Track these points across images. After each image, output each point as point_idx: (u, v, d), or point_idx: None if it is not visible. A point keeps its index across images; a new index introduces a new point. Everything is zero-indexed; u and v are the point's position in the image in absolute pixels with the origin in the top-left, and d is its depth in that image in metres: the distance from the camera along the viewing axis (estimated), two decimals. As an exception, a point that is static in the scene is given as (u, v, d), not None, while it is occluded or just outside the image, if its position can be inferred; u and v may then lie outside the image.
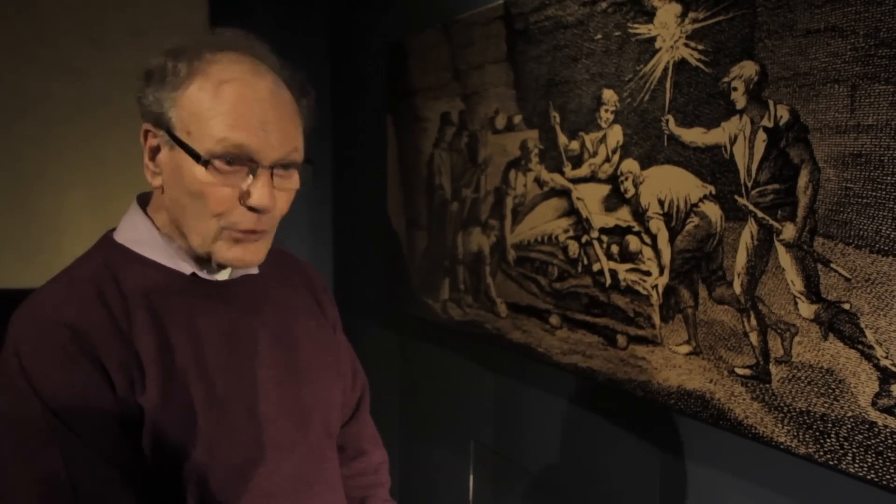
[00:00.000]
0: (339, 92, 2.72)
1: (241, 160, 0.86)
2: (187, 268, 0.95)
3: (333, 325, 1.18)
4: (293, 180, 0.92)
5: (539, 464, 1.72)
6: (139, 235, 0.94)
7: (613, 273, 1.42)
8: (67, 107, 2.44)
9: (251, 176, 0.87)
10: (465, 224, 1.91)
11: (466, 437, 2.01)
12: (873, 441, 0.98)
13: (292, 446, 0.98)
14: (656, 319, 1.33)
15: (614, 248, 1.41)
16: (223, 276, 0.99)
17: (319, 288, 1.19)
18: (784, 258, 1.08)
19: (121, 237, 0.95)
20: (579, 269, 1.51)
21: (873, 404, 0.98)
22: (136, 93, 0.91)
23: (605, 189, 1.43)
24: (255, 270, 1.03)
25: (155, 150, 0.91)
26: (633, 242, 1.37)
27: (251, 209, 0.88)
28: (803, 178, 1.05)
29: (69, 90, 2.43)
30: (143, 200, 0.99)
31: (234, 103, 0.85)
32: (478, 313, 1.87)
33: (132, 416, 0.85)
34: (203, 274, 0.96)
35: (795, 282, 1.07)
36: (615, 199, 1.40)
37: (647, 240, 1.33)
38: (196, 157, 0.85)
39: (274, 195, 0.88)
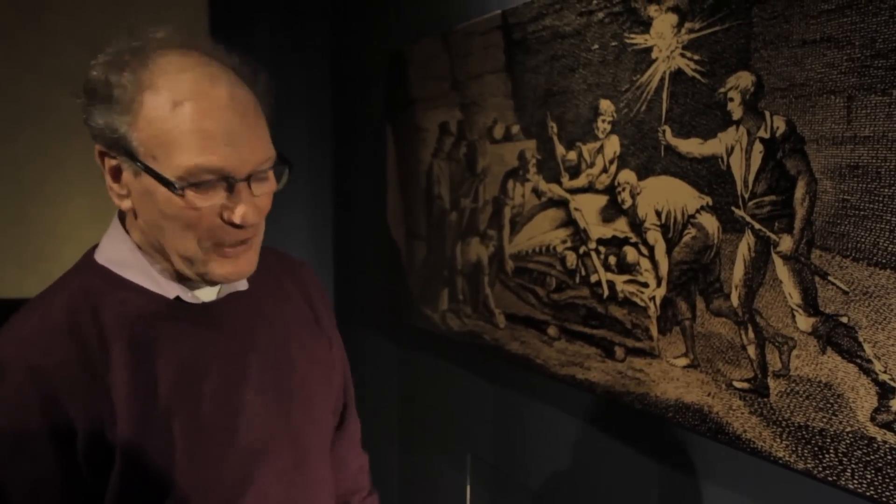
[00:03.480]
0: (339, 101, 2.72)
1: (215, 181, 0.82)
2: (171, 291, 0.90)
3: (329, 333, 1.12)
4: (270, 182, 0.88)
5: (536, 476, 1.71)
6: (121, 256, 0.89)
7: (611, 284, 1.41)
8: (69, 116, 2.42)
9: (227, 192, 0.83)
10: (463, 234, 1.90)
11: (464, 449, 2.00)
12: (872, 457, 0.97)
13: (283, 472, 0.95)
14: (654, 331, 1.31)
15: (612, 260, 1.40)
16: (210, 296, 0.94)
17: (314, 291, 1.13)
18: (781, 270, 1.07)
19: (102, 257, 0.91)
20: (577, 280, 1.50)
21: (872, 419, 0.96)
22: (79, 111, 0.84)
23: (602, 200, 1.42)
24: (244, 286, 0.97)
25: (117, 171, 0.85)
26: (631, 254, 1.36)
27: (234, 225, 0.84)
28: (800, 190, 1.04)
29: (70, 100, 2.43)
30: (124, 216, 0.93)
31: (196, 122, 0.79)
32: (476, 324, 1.86)
33: (99, 462, 0.81)
34: (188, 297, 0.91)
35: (793, 294, 1.06)
36: (612, 209, 1.39)
37: (645, 251, 1.32)
38: (170, 186, 0.80)
39: (256, 207, 0.85)
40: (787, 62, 1.05)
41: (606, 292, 1.42)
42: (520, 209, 1.67)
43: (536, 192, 1.61)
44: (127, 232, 0.91)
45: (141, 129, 0.80)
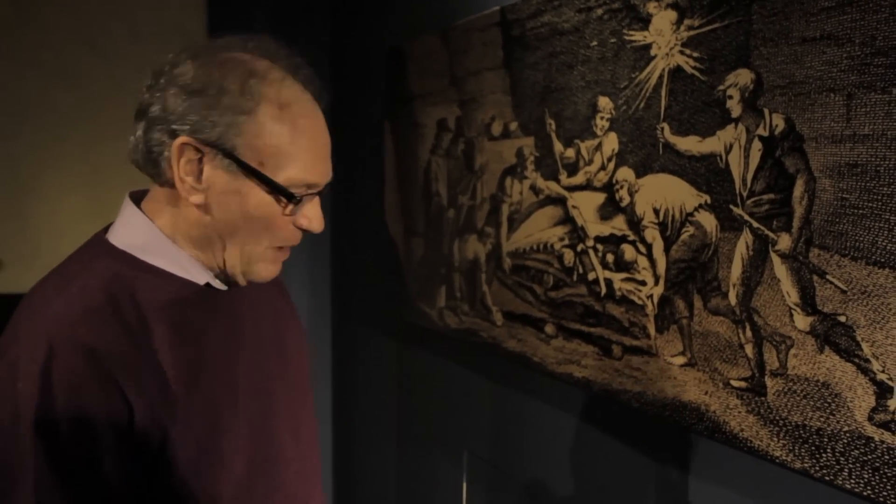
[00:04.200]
0: (338, 97, 2.71)
1: (305, 192, 0.89)
2: (201, 278, 0.91)
3: (299, 324, 1.17)
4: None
5: (533, 474, 1.70)
6: (144, 241, 0.89)
7: (609, 282, 1.40)
8: (67, 112, 2.44)
9: (306, 201, 0.90)
10: (461, 231, 1.90)
11: (460, 446, 1.99)
12: (870, 457, 0.96)
13: (291, 461, 0.97)
14: (651, 330, 1.31)
15: (609, 257, 1.40)
16: (221, 285, 0.95)
17: (283, 287, 1.16)
18: (779, 269, 1.07)
19: (121, 242, 0.89)
20: (574, 277, 1.49)
21: (870, 419, 0.96)
22: (169, 100, 0.84)
23: (600, 197, 1.41)
24: None
25: (196, 167, 0.85)
26: (629, 251, 1.35)
27: (304, 230, 0.91)
28: (799, 188, 1.03)
29: (69, 96, 2.43)
30: (137, 198, 0.93)
31: (309, 141, 0.88)
32: (474, 321, 1.85)
33: (151, 441, 0.81)
34: (217, 284, 0.93)
35: (791, 293, 1.05)
36: (610, 207, 1.39)
37: (643, 249, 1.32)
38: (288, 195, 0.86)
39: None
40: (786, 60, 1.04)
41: (604, 290, 1.42)
42: (518, 206, 1.66)
43: (534, 190, 1.60)
44: (145, 215, 0.90)
45: (255, 135, 0.84)
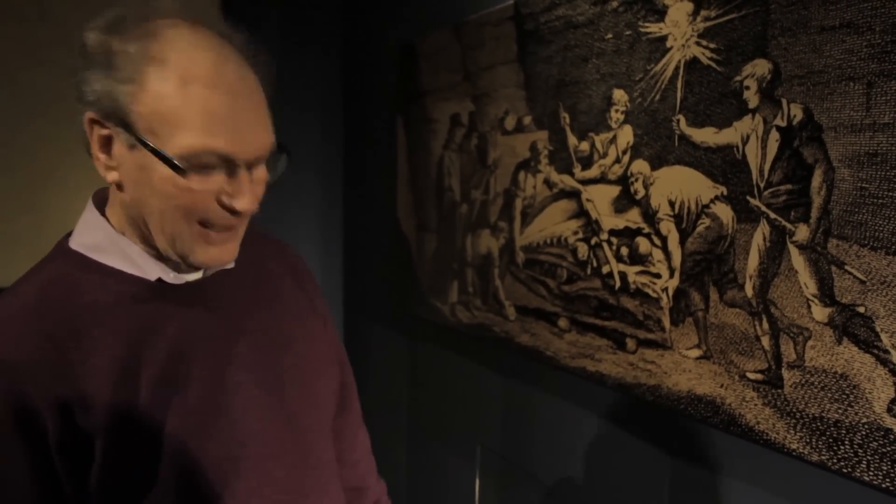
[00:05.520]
0: (350, 92, 2.72)
1: (216, 164, 0.79)
2: (152, 272, 0.86)
3: (323, 315, 1.10)
4: (264, 171, 0.85)
5: (546, 468, 1.70)
6: (95, 239, 0.86)
7: (623, 275, 1.40)
8: (80, 106, 2.45)
9: (228, 175, 0.80)
10: (474, 226, 1.89)
11: (473, 440, 1.99)
12: (889, 449, 0.95)
13: (280, 453, 0.91)
14: (666, 323, 1.30)
15: (624, 251, 1.39)
16: (194, 276, 0.91)
17: (303, 274, 1.10)
18: (797, 260, 1.06)
19: (75, 242, 0.87)
20: (588, 271, 1.49)
21: (889, 411, 0.95)
22: (79, 73, 0.79)
23: (615, 190, 1.41)
24: (230, 265, 0.94)
25: (107, 141, 0.81)
26: (643, 244, 1.34)
27: (232, 211, 0.81)
28: (817, 179, 1.02)
29: (81, 90, 2.43)
30: (100, 199, 0.90)
31: (204, 103, 0.77)
32: (486, 316, 1.85)
33: (76, 455, 0.78)
34: (170, 278, 0.87)
35: (809, 284, 1.05)
36: (625, 200, 1.38)
37: (658, 242, 1.31)
38: (174, 166, 0.77)
39: (254, 195, 0.82)
40: (804, 49, 1.03)
41: (618, 283, 1.41)
42: (531, 201, 1.66)
43: (548, 184, 1.60)
44: (103, 215, 0.87)
45: (144, 103, 0.77)
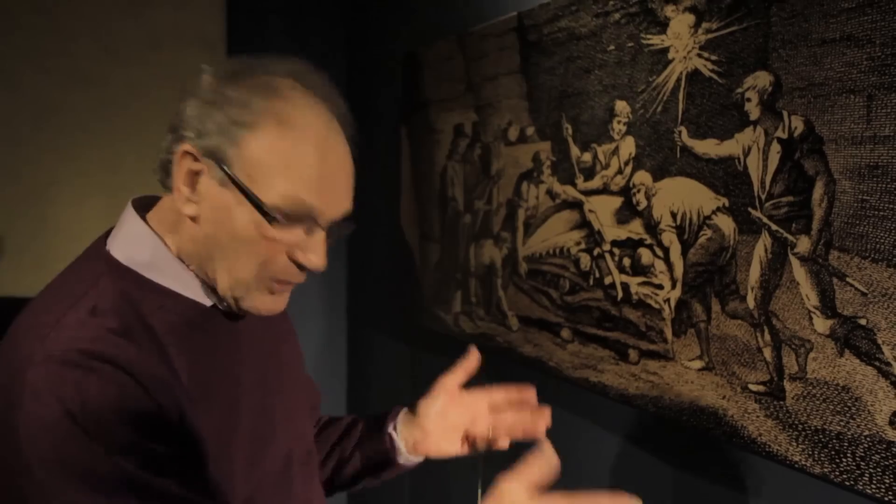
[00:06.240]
0: (354, 102, 2.72)
1: (302, 219, 0.82)
2: (207, 299, 0.87)
3: (291, 326, 1.12)
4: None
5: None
6: (148, 258, 0.85)
7: (625, 286, 1.40)
8: (84, 116, 2.47)
9: (307, 234, 0.83)
10: (477, 236, 1.90)
11: (475, 451, 1.98)
12: (891, 462, 0.95)
13: (293, 478, 0.96)
14: (668, 334, 1.30)
15: (626, 261, 1.39)
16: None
17: None
18: (799, 272, 1.06)
19: (123, 256, 0.85)
20: (591, 282, 1.49)
21: (891, 423, 0.95)
22: (173, 105, 0.83)
23: (617, 201, 1.41)
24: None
25: (193, 177, 0.83)
26: (646, 255, 1.35)
27: (300, 267, 0.84)
28: (818, 191, 1.03)
29: (86, 99, 2.46)
30: (141, 206, 0.89)
31: (316, 162, 0.81)
32: (489, 326, 1.85)
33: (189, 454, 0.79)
34: (223, 305, 0.88)
35: (810, 296, 1.05)
36: (627, 211, 1.38)
37: (660, 253, 1.31)
38: (264, 212, 0.79)
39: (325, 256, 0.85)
40: (805, 61, 1.04)
41: (620, 294, 1.41)
42: (534, 211, 1.66)
43: (551, 194, 1.60)
44: (151, 229, 0.87)
45: (250, 149, 0.80)
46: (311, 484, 1.01)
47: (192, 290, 0.86)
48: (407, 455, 1.14)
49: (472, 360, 1.19)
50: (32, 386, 0.72)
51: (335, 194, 0.84)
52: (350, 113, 0.92)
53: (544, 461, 0.74)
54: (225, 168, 0.80)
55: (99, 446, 0.71)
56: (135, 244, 0.86)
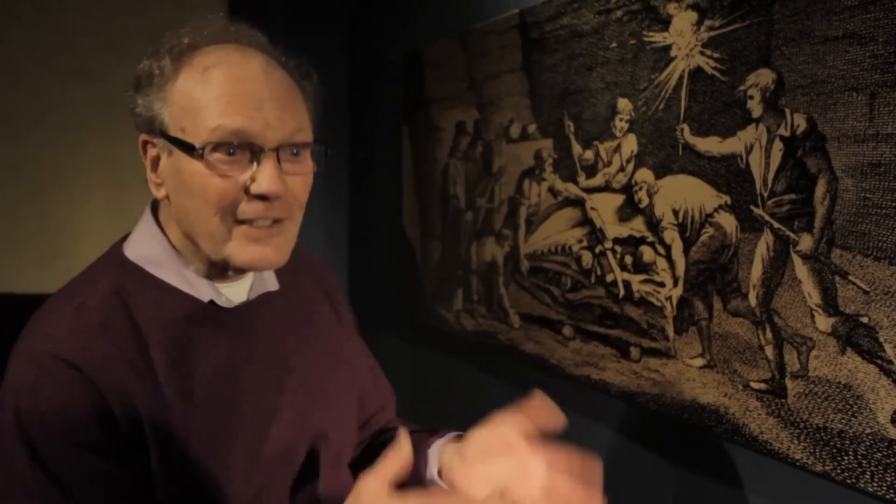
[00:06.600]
0: (356, 101, 2.73)
1: (241, 147, 0.78)
2: (205, 294, 0.86)
3: (349, 330, 1.10)
4: (305, 164, 0.84)
5: (550, 477, 1.70)
6: (153, 253, 0.86)
7: (627, 284, 1.40)
8: (86, 112, 2.47)
9: (255, 163, 0.79)
10: (478, 234, 1.90)
11: None
12: (893, 460, 0.95)
13: (308, 476, 0.94)
14: (670, 331, 1.30)
15: (628, 259, 1.39)
16: (241, 297, 0.91)
17: (332, 288, 1.10)
18: (801, 270, 1.06)
19: (133, 253, 0.87)
20: (593, 279, 1.49)
21: (892, 421, 0.95)
22: (127, 105, 0.85)
23: (619, 199, 1.41)
24: (274, 286, 0.94)
25: (156, 161, 0.84)
26: (647, 253, 1.35)
27: (258, 197, 0.79)
28: (820, 188, 1.03)
29: (87, 95, 2.45)
30: (157, 208, 0.91)
31: (223, 86, 0.79)
32: (491, 324, 1.85)
33: (147, 454, 0.79)
34: (222, 301, 0.87)
35: (812, 294, 1.05)
36: (629, 209, 1.38)
37: (662, 250, 1.31)
38: (190, 149, 0.78)
39: (283, 179, 0.80)
40: (808, 59, 1.03)
41: (622, 292, 1.41)
42: (535, 209, 1.66)
43: (552, 192, 1.60)
44: (161, 229, 0.88)
45: (173, 103, 0.80)
46: (333, 483, 0.97)
47: (192, 286, 0.86)
48: (437, 481, 0.96)
49: (538, 409, 0.87)
50: (6, 378, 0.77)
51: (260, 112, 0.79)
52: (309, 67, 0.90)
53: (400, 455, 0.70)
54: (165, 131, 0.81)
55: (27, 451, 0.74)
56: (144, 241, 0.88)
